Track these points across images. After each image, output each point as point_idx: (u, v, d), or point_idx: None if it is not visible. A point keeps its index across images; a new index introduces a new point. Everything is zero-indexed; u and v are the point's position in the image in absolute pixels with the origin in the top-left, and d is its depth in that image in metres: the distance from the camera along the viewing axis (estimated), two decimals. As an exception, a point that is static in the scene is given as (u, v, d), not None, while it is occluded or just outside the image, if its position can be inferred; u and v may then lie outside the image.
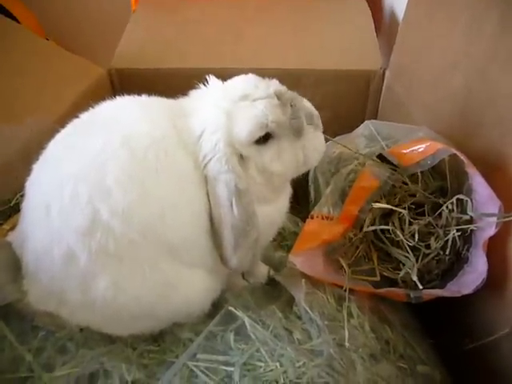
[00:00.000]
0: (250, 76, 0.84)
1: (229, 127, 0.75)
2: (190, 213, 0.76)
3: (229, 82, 0.85)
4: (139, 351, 0.79)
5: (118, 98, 0.84)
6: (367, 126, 1.04)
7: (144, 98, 0.84)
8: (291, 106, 0.78)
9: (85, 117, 0.82)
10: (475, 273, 0.83)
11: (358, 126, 1.21)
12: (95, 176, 0.70)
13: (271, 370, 0.68)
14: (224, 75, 1.36)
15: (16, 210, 1.00)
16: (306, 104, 0.84)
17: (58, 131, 1.13)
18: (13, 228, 0.95)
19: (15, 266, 0.77)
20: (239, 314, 0.74)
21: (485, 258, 0.80)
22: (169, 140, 0.76)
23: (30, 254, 0.74)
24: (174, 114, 0.80)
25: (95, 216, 0.69)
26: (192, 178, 0.76)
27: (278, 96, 0.78)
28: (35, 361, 0.73)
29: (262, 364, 0.69)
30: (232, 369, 0.69)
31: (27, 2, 1.73)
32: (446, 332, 0.91)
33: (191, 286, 0.79)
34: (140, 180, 0.72)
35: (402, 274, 0.91)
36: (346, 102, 1.38)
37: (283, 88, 0.81)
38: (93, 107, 0.84)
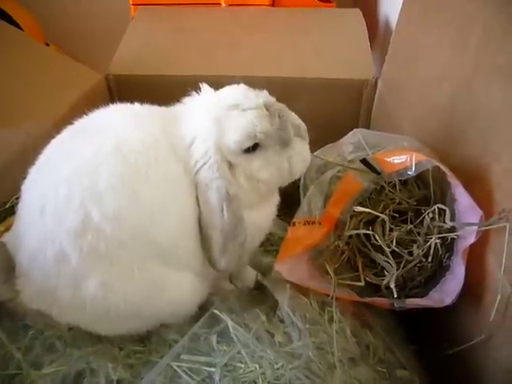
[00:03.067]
0: (241, 86, 0.86)
1: (219, 135, 0.78)
2: (179, 217, 0.79)
3: (220, 91, 0.88)
4: (126, 351, 0.81)
5: (111, 105, 0.88)
6: (355, 135, 1.06)
7: (137, 105, 0.87)
8: (279, 117, 0.81)
9: (79, 123, 0.86)
10: (455, 280, 0.85)
11: (349, 137, 1.23)
12: (88, 180, 0.73)
13: (250, 371, 0.70)
14: (220, 83, 1.39)
15: (11, 212, 1.03)
16: (294, 116, 0.87)
17: (54, 136, 1.16)
18: (8, 229, 0.98)
19: (8, 267, 0.79)
20: (223, 316, 0.76)
21: (463, 266, 0.82)
22: (159, 146, 0.79)
23: (24, 253, 0.77)
24: (166, 121, 0.83)
25: (87, 218, 0.72)
26: (182, 183, 0.79)
27: (267, 107, 0.80)
28: (24, 359, 0.75)
29: (242, 365, 0.71)
30: (213, 369, 0.71)
31: (28, 7, 1.76)
32: (428, 337, 0.93)
33: (179, 289, 0.81)
34: (131, 184, 0.75)
35: (385, 281, 0.92)
36: (339, 110, 1.40)
37: (272, 99, 0.84)
38: (87, 114, 0.87)
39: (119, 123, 0.82)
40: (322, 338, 0.75)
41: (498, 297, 0.74)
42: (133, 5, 1.62)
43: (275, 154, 0.82)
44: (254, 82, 1.36)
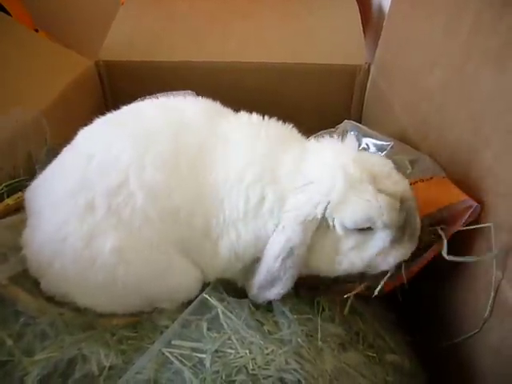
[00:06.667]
0: (388, 161, 0.79)
1: (341, 199, 0.73)
2: (205, 223, 0.78)
3: (366, 154, 0.82)
4: (118, 337, 0.81)
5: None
6: (345, 126, 1.06)
7: (255, 117, 0.84)
8: (407, 213, 0.75)
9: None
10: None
11: (343, 120, 1.23)
12: (142, 148, 0.76)
13: (241, 357, 0.70)
14: (211, 68, 1.38)
15: (1, 199, 1.02)
16: (417, 220, 0.77)
17: (43, 123, 1.15)
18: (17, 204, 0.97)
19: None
20: (214, 302, 0.77)
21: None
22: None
23: (55, 193, 0.78)
24: (279, 143, 0.80)
25: (125, 182, 0.74)
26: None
27: (402, 200, 0.74)
28: (15, 345, 0.75)
29: (233, 351, 0.71)
30: (204, 356, 0.72)
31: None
32: (426, 329, 0.94)
33: (186, 277, 0.82)
34: (178, 175, 0.76)
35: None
36: (332, 96, 1.40)
37: (410, 193, 0.77)
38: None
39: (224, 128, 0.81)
40: (312, 326, 0.76)
41: (492, 293, 0.74)
42: (123, -11, 1.59)
43: (377, 242, 0.76)
44: (245, 68, 1.37)
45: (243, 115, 0.85)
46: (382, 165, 0.76)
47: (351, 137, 0.81)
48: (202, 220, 0.77)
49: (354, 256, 0.76)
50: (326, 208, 0.73)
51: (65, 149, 0.85)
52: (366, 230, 0.75)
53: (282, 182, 0.76)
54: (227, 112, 0.86)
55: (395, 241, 0.75)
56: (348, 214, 0.72)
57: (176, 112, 0.82)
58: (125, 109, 0.87)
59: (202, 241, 0.79)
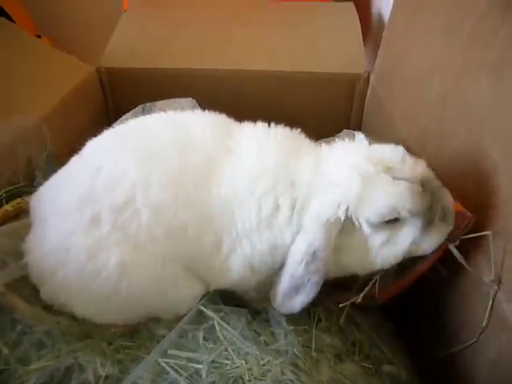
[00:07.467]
0: (400, 148, 0.78)
1: (359, 197, 0.72)
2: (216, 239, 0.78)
3: (376, 146, 0.80)
4: (115, 346, 0.81)
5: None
6: (344, 136, 1.07)
7: (260, 125, 0.84)
8: (431, 194, 0.73)
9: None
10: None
11: (343, 129, 1.23)
12: (146, 168, 0.76)
13: (237, 367, 0.71)
14: (212, 76, 1.39)
15: (1, 205, 1.02)
16: (447, 197, 0.76)
17: (44, 129, 1.15)
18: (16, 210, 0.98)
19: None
20: (210, 313, 0.77)
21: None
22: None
23: (62, 203, 0.78)
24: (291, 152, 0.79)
25: (131, 199, 0.75)
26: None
27: (423, 182, 0.72)
28: (11, 354, 0.75)
29: (229, 362, 0.72)
30: (200, 366, 0.72)
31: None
32: (423, 339, 0.94)
33: (190, 288, 0.82)
34: (184, 194, 0.76)
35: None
36: (332, 104, 1.41)
37: (430, 173, 0.76)
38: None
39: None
40: (308, 337, 0.76)
41: (490, 302, 0.74)
42: (125, -3, 1.60)
43: (408, 233, 0.74)
44: (247, 75, 1.37)
45: (249, 126, 0.84)
46: (393, 153, 0.75)
47: (360, 136, 0.81)
48: (211, 236, 0.77)
49: (387, 251, 0.74)
50: (347, 209, 0.72)
51: (73, 158, 0.85)
52: (393, 223, 0.73)
53: (300, 189, 0.76)
54: (234, 124, 0.86)
55: (427, 226, 0.73)
56: (371, 209, 0.71)
57: (183, 128, 0.82)
58: (132, 123, 0.87)
59: (211, 257, 0.78)
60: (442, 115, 0.99)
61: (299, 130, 0.85)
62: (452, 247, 0.77)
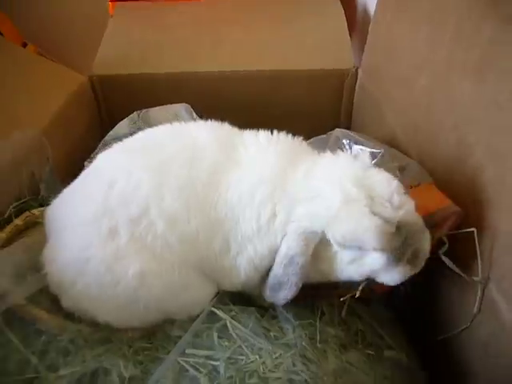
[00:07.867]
0: (394, 183, 0.77)
1: (334, 214, 0.74)
2: (224, 243, 0.82)
3: (375, 171, 0.80)
4: (134, 348, 0.86)
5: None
6: (336, 134, 1.11)
7: (262, 134, 0.87)
8: (405, 238, 0.74)
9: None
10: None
11: (332, 126, 1.27)
12: (159, 178, 0.79)
13: (252, 362, 0.76)
14: (203, 79, 1.42)
15: (9, 221, 1.05)
16: (426, 246, 0.77)
17: (46, 144, 1.17)
18: (9, 237, 1.01)
19: (18, 272, 0.86)
20: (221, 314, 0.83)
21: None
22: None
23: (78, 216, 0.81)
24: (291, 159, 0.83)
25: (146, 211, 0.78)
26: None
27: (401, 225, 0.73)
28: (40, 363, 0.80)
29: (244, 357, 0.77)
30: (217, 363, 0.78)
31: (2, 6, 1.72)
32: (417, 325, 1.00)
33: (203, 290, 0.87)
34: (195, 203, 0.79)
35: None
36: (321, 101, 1.44)
37: (413, 216, 0.76)
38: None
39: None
40: (314, 330, 0.82)
41: (479, 293, 0.80)
42: (111, 1, 1.60)
43: (372, 261, 0.76)
44: (237, 77, 1.40)
45: (252, 134, 0.88)
46: (385, 186, 0.76)
47: (365, 153, 0.84)
48: (220, 241, 0.81)
49: (352, 269, 0.79)
50: (325, 223, 0.76)
51: (85, 171, 0.89)
52: (361, 247, 0.77)
53: (290, 197, 0.80)
54: (236, 132, 0.89)
55: (391, 263, 0.75)
56: (338, 231, 0.74)
57: (189, 138, 0.86)
58: (140, 135, 0.90)
59: (221, 259, 0.83)
60: (428, 112, 1.03)
61: (301, 138, 0.90)
62: (443, 256, 0.83)
